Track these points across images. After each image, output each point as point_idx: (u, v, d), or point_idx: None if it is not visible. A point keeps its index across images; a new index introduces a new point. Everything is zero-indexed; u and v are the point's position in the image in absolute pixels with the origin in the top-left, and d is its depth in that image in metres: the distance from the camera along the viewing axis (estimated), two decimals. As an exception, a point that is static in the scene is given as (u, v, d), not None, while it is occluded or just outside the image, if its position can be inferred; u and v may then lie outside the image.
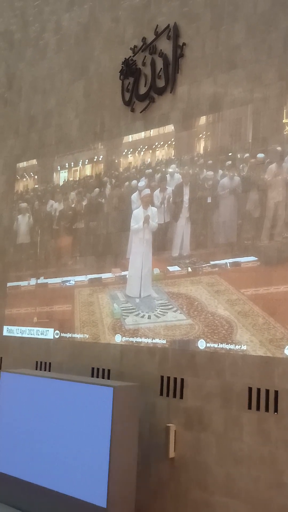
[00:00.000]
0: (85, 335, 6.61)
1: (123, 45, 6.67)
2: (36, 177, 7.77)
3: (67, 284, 6.98)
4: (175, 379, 5.59)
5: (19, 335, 7.51)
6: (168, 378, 5.65)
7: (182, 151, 5.93)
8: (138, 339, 5.99)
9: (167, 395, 5.62)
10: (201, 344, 5.40)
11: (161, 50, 6.19)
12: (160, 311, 5.86)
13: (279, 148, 5.05)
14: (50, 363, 6.99)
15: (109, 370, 6.24)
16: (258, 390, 4.90)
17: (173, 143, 6.05)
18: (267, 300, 4.97)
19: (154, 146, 6.25)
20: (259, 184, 5.17)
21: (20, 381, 6.18)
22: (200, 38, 5.83)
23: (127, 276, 6.29)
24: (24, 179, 7.96)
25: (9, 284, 7.84)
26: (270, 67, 5.19)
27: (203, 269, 5.55)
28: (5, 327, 7.76)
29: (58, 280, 7.12)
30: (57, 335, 6.97)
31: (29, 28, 8.22)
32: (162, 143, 6.17)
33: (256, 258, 5.12)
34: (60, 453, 5.54)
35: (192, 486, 5.26)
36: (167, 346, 5.71)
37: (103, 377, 6.27)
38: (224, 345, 5.22)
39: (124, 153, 6.59)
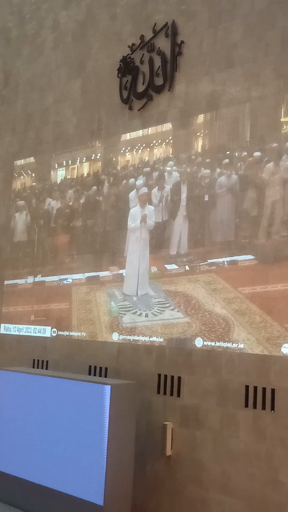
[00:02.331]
0: (82, 333, 6.61)
1: (121, 43, 6.66)
2: (33, 174, 7.76)
3: (65, 282, 6.98)
4: (172, 377, 5.60)
5: (16, 333, 7.51)
6: (165, 376, 5.66)
7: (179, 149, 5.93)
8: (136, 337, 6.00)
9: (164, 393, 5.64)
10: (198, 342, 5.41)
11: (159, 48, 6.18)
12: (157, 309, 5.87)
13: (276, 147, 5.06)
14: (47, 361, 6.99)
15: (106, 368, 6.25)
16: (255, 388, 4.92)
17: (171, 141, 6.04)
18: (264, 299, 4.98)
19: (152, 144, 6.25)
20: (257, 183, 5.18)
21: (17, 379, 6.17)
22: (197, 36, 5.83)
23: (124, 274, 6.29)
24: (22, 177, 7.94)
25: (6, 282, 7.83)
26: (267, 65, 5.19)
27: (200, 267, 5.56)
28: (2, 325, 7.76)
29: (55, 278, 7.12)
30: (54, 333, 6.97)
31: (26, 25, 8.20)
32: (160, 141, 6.17)
33: (253, 257, 5.13)
34: (57, 451, 5.54)
35: (188, 483, 5.28)
36: (164, 344, 5.72)
37: (100, 375, 6.28)
38: (221, 343, 5.23)
39: (121, 151, 6.58)
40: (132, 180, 6.39)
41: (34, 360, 7.17)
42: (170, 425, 5.47)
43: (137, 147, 6.41)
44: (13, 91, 8.27)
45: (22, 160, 7.94)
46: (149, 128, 6.28)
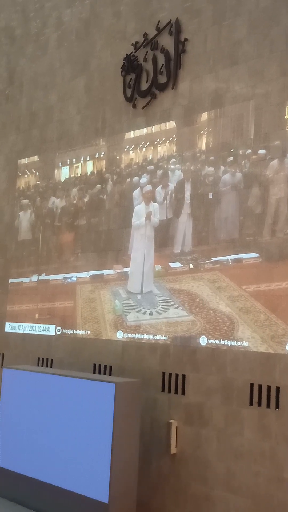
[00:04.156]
0: (86, 331, 6.62)
1: (125, 41, 6.65)
2: (37, 173, 7.77)
3: (69, 280, 6.99)
4: (177, 375, 5.60)
5: (21, 331, 7.53)
6: (170, 374, 5.66)
7: (183, 147, 5.92)
8: (140, 336, 6.01)
9: (169, 391, 5.64)
10: (203, 341, 5.41)
11: (162, 45, 6.17)
12: (161, 307, 5.87)
13: (281, 144, 5.04)
14: (52, 359, 7.01)
15: (110, 366, 6.26)
16: (260, 386, 4.91)
17: (175, 139, 6.03)
18: (268, 297, 4.97)
19: (155, 143, 6.24)
20: (261, 180, 5.16)
21: (22, 377, 6.19)
22: (202, 34, 5.81)
23: (128, 272, 6.29)
24: (26, 176, 7.96)
25: (11, 281, 7.85)
26: (272, 62, 5.17)
27: (204, 265, 5.55)
28: (7, 324, 7.78)
29: (59, 276, 7.13)
30: (59, 331, 6.99)
31: (30, 24, 8.20)
32: (163, 139, 6.16)
33: (258, 255, 5.12)
34: (62, 449, 5.56)
35: (193, 481, 5.28)
36: (168, 342, 5.72)
37: (104, 373, 6.29)
38: (225, 342, 5.22)
39: (125, 149, 6.58)
40: (136, 178, 6.38)
41: (38, 358, 7.19)
42: (174, 423, 5.48)
43: (141, 145, 6.40)
44: (17, 90, 8.28)
45: (26, 159, 7.95)
46: (153, 126, 6.27)
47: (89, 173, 7.01)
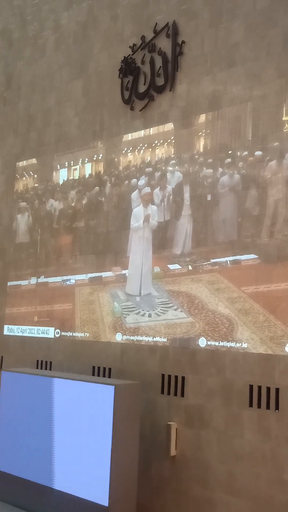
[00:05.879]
0: (85, 333, 6.62)
1: (122, 43, 6.67)
2: (35, 176, 7.77)
3: (68, 283, 6.99)
4: (176, 377, 5.59)
5: (20, 334, 7.52)
6: (169, 376, 5.66)
7: (181, 149, 5.93)
8: (139, 338, 6.00)
9: (168, 393, 5.63)
10: (202, 342, 5.41)
11: (160, 48, 6.19)
12: (160, 309, 5.86)
13: (278, 146, 5.05)
14: (51, 362, 6.99)
15: (110, 369, 6.25)
16: (259, 387, 4.91)
17: (173, 141, 6.04)
18: (267, 298, 4.97)
19: (153, 145, 6.25)
20: (259, 182, 5.17)
21: (21, 380, 6.18)
22: (199, 36, 5.83)
23: (127, 274, 6.29)
24: (24, 178, 7.96)
25: (9, 283, 7.84)
26: (269, 64, 5.18)
27: (203, 267, 5.55)
28: (5, 326, 7.77)
29: (58, 279, 7.12)
30: (58, 334, 6.98)
31: (28, 27, 8.21)
32: (161, 141, 6.17)
33: (257, 256, 5.12)
34: (62, 452, 5.55)
35: (193, 484, 5.27)
36: (167, 344, 5.72)
37: (104, 376, 6.28)
38: (224, 343, 5.22)
39: (123, 151, 6.58)
40: (134, 180, 6.39)
41: (37, 361, 7.17)
42: (174, 425, 5.47)
43: (139, 148, 6.41)
44: (15, 93, 8.29)
45: (25, 162, 7.96)
46: (151, 128, 6.28)
47: (87, 176, 7.02)
